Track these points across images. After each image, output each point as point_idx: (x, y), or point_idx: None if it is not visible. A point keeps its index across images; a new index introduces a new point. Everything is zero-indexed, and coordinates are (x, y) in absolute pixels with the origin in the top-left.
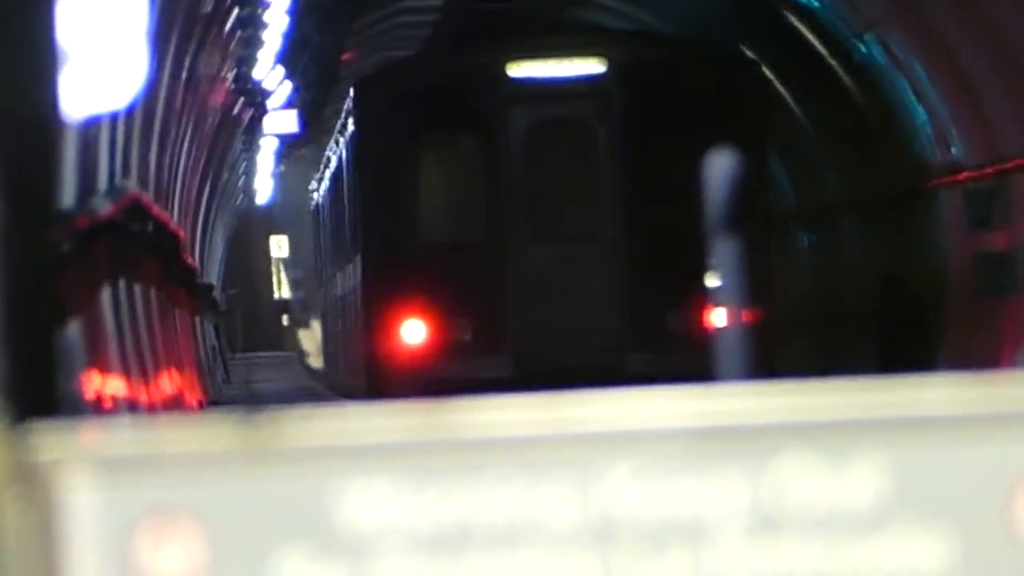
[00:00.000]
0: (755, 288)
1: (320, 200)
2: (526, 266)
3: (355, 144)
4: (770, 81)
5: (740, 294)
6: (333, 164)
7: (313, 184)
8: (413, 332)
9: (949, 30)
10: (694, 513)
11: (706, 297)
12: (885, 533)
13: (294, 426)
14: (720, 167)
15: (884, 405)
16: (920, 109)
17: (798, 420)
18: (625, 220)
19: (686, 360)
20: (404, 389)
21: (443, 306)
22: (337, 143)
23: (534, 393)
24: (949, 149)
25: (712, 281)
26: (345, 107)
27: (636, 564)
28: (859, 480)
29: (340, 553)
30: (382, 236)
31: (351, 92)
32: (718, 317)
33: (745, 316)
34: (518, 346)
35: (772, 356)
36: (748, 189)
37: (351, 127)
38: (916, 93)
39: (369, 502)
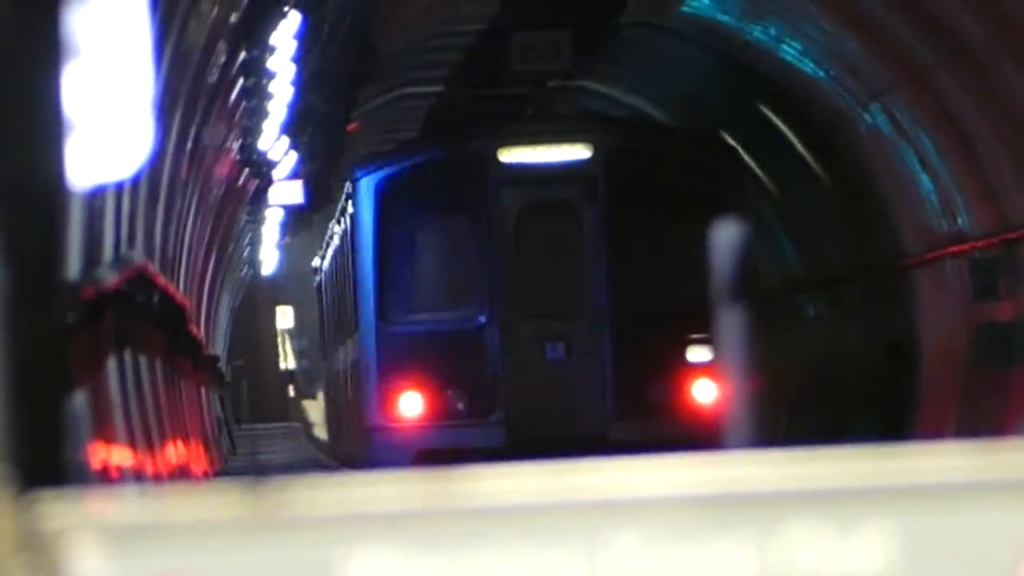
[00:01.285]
0: (740, 361)
1: (323, 276)
2: (516, 340)
3: (354, 225)
4: (747, 164)
5: (724, 367)
6: (335, 242)
7: (316, 259)
8: (410, 404)
9: (955, 99)
10: None
11: (689, 370)
12: None
13: (300, 494)
14: (700, 249)
15: (891, 473)
16: (925, 178)
17: (805, 488)
18: (610, 297)
19: (669, 430)
20: (401, 459)
21: (438, 379)
22: (339, 222)
23: (534, 461)
24: (955, 219)
25: (694, 355)
26: (345, 189)
27: None
28: (867, 547)
29: None
30: (379, 314)
31: (350, 175)
32: (701, 389)
33: (730, 388)
34: (509, 417)
35: (758, 426)
36: (729, 267)
37: (350, 209)
38: (922, 162)
39: (376, 570)
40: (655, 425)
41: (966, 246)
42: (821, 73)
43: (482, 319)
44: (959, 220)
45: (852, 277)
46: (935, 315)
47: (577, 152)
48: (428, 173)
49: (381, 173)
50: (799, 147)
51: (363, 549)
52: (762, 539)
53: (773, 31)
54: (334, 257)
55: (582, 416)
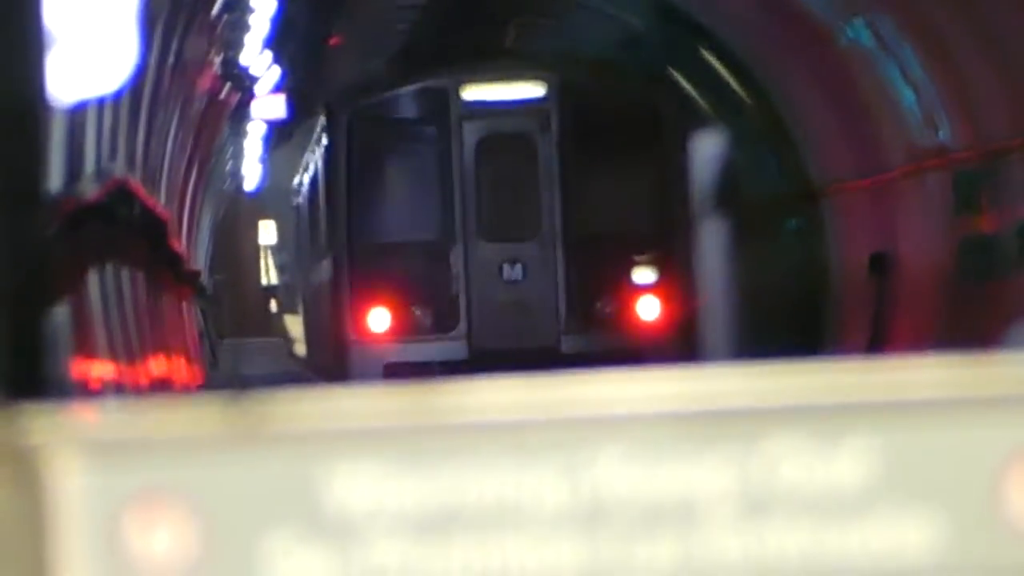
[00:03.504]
0: (683, 279)
1: (301, 196)
2: (476, 261)
3: (327, 156)
4: (688, 96)
5: (667, 285)
6: (310, 169)
7: (296, 178)
8: (379, 319)
9: (937, 14)
10: (684, 496)
11: (634, 289)
12: (875, 514)
13: (283, 409)
14: (645, 178)
15: (873, 387)
16: (908, 92)
17: (787, 402)
18: (562, 221)
19: (616, 344)
20: (372, 370)
21: (405, 297)
22: (313, 152)
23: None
24: (937, 132)
25: (640, 275)
26: (320, 122)
27: (625, 547)
28: (848, 462)
29: (329, 535)
30: (350, 236)
31: (325, 109)
32: (645, 306)
33: (674, 305)
34: (470, 332)
35: (696, 342)
36: (669, 192)
37: (324, 141)
38: (904, 76)
39: (357, 485)
40: (603, 339)
41: (947, 159)
42: None
43: (445, 241)
44: (941, 133)
45: (832, 191)
46: (917, 228)
47: (532, 89)
48: (396, 109)
49: (352, 108)
50: (779, 59)
51: (345, 463)
52: (744, 454)
53: None
54: (311, 181)
55: (536, 330)
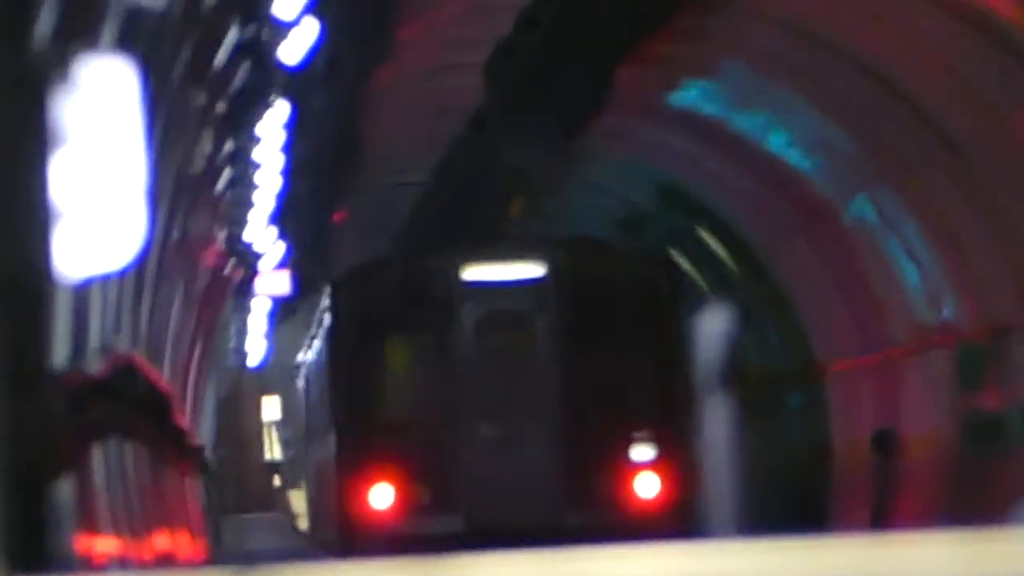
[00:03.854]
0: (682, 457)
1: (303, 376)
2: (475, 439)
3: (331, 335)
4: (680, 276)
5: (665, 464)
6: (313, 347)
7: (298, 357)
8: (380, 496)
9: (941, 192)
10: None
11: (632, 466)
12: None
13: None
14: (644, 356)
15: (878, 564)
16: (911, 268)
17: None
18: (561, 399)
19: (615, 521)
20: (374, 546)
21: (406, 474)
22: (316, 329)
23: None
24: (941, 309)
25: (638, 452)
26: (322, 302)
27: None
28: None
29: None
30: (352, 414)
31: (328, 289)
32: (644, 484)
33: (671, 483)
34: (471, 508)
35: (694, 520)
36: (668, 370)
37: (328, 320)
38: (908, 253)
39: None
40: (601, 516)
41: (951, 336)
42: (807, 163)
43: (445, 419)
44: (945, 311)
45: (835, 368)
46: (920, 406)
47: (531, 269)
48: (397, 288)
49: (355, 288)
50: (783, 236)
51: None
52: None
53: (761, 122)
54: (314, 358)
55: (535, 507)
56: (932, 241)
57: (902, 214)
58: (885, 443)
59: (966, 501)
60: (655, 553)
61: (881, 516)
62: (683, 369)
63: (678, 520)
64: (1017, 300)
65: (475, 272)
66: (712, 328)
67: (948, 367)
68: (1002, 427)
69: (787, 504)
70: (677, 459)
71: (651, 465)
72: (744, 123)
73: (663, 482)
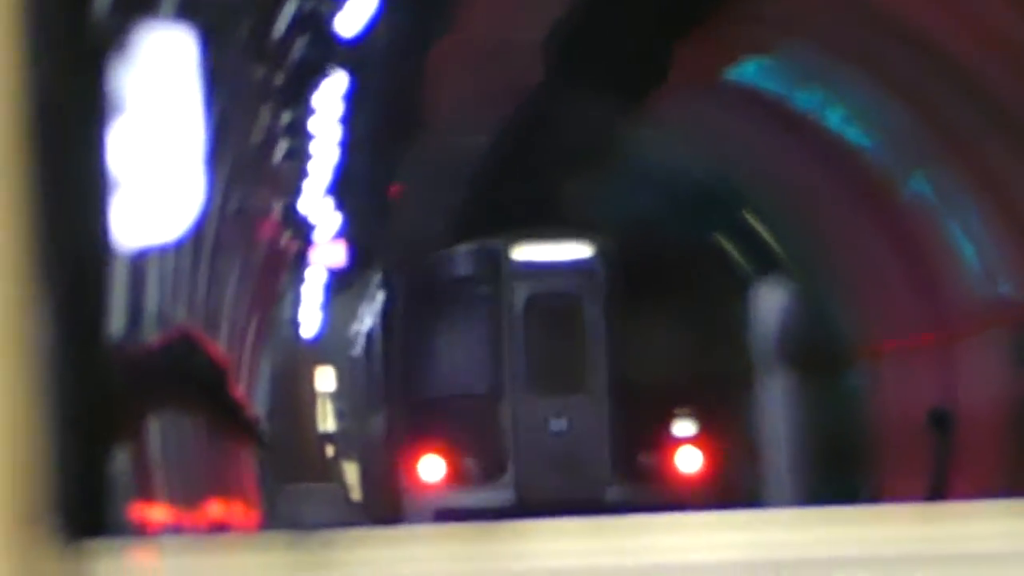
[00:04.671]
0: (726, 432)
1: (357, 349)
2: (524, 414)
3: (383, 312)
4: (724, 259)
5: (707, 439)
6: (367, 321)
7: (353, 329)
8: (431, 468)
9: (999, 167)
10: None
11: (677, 441)
12: None
13: (344, 551)
14: (689, 335)
15: (935, 537)
16: (969, 245)
17: (853, 552)
18: (607, 376)
19: (659, 495)
20: (423, 517)
21: (456, 447)
22: (371, 303)
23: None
24: (998, 286)
25: (681, 427)
26: (377, 278)
27: None
28: None
29: None
30: (404, 388)
31: (382, 266)
32: (687, 458)
33: (713, 457)
34: (518, 481)
35: (738, 495)
36: (714, 346)
37: (381, 296)
38: (965, 229)
39: None
40: (646, 490)
41: (1009, 313)
42: (865, 140)
43: (494, 394)
44: (1002, 288)
45: (892, 345)
46: (978, 383)
47: (579, 250)
48: (449, 267)
49: (410, 268)
50: (842, 213)
51: None
52: None
53: (819, 98)
54: (368, 333)
55: (581, 481)
56: (990, 217)
57: (959, 190)
58: (942, 421)
59: (1022, 481)
60: (708, 522)
61: (937, 495)
62: (728, 348)
63: (720, 494)
64: None
65: (526, 252)
66: (770, 306)
67: (1006, 345)
68: None
69: (843, 483)
70: (719, 434)
71: (693, 440)
72: (803, 100)
73: (705, 456)
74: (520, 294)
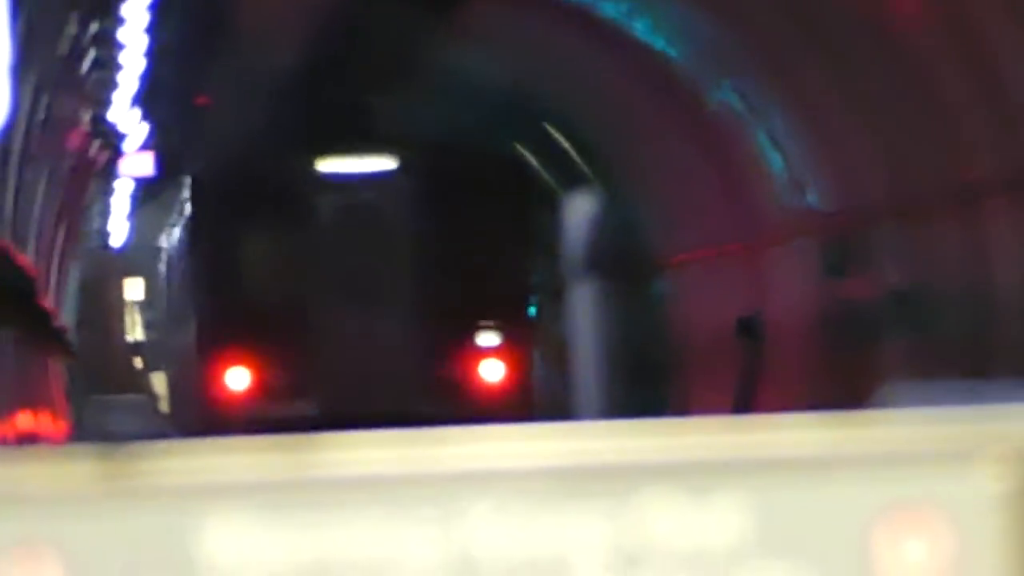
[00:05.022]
0: (523, 343)
1: (165, 259)
2: (330, 324)
3: (191, 223)
4: (526, 172)
5: (512, 348)
6: (175, 232)
7: (161, 240)
8: (238, 379)
9: (807, 78)
10: (556, 551)
11: (480, 352)
12: (747, 571)
13: (154, 463)
14: (490, 249)
15: (745, 445)
16: (776, 156)
17: (660, 459)
18: (413, 288)
19: (462, 405)
20: (231, 428)
21: (263, 358)
22: (179, 214)
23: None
24: (805, 197)
25: (485, 339)
26: (185, 195)
27: None
28: (720, 519)
29: None
30: (211, 298)
31: (190, 183)
32: (490, 369)
33: (515, 368)
34: (325, 393)
35: (532, 402)
36: (512, 261)
37: (188, 208)
38: (772, 140)
39: (230, 538)
40: (450, 401)
41: (816, 224)
42: (673, 51)
43: (301, 306)
44: (810, 198)
45: (699, 255)
46: (785, 293)
47: (386, 163)
48: (256, 180)
49: (218, 179)
50: (652, 124)
51: (217, 517)
52: (616, 509)
53: (625, 8)
54: (176, 243)
55: (386, 393)
56: (797, 128)
57: (767, 100)
58: (750, 329)
59: (830, 389)
60: (514, 433)
61: (745, 401)
62: (532, 260)
63: (524, 405)
64: (883, 187)
65: (332, 164)
66: (578, 217)
67: (812, 255)
68: (866, 314)
69: (652, 392)
70: (523, 346)
71: (496, 351)
72: (610, 9)
73: (508, 368)
74: (326, 206)
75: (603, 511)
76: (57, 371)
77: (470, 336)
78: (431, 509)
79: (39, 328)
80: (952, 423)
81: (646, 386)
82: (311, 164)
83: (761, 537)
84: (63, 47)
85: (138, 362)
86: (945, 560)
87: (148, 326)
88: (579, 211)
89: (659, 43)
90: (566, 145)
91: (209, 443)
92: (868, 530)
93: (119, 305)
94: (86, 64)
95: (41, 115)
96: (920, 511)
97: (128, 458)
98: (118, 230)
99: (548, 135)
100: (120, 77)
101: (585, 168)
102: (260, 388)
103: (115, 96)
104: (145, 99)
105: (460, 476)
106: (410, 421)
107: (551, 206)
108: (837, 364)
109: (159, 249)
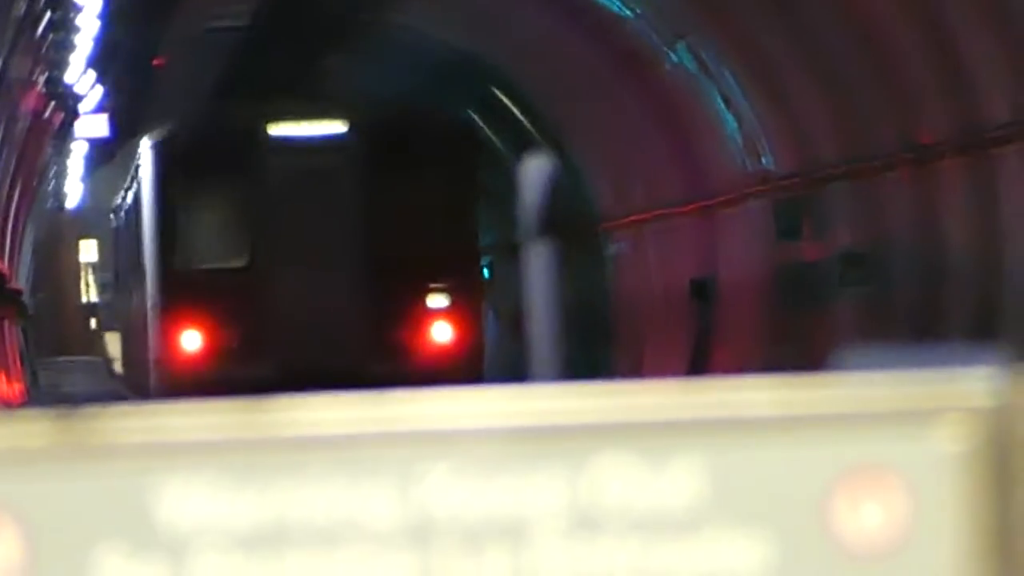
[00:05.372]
0: (474, 304)
1: (119, 221)
2: (282, 288)
3: (143, 185)
4: (476, 135)
5: (461, 310)
6: (129, 195)
7: (115, 202)
8: (191, 341)
9: (761, 39)
10: (513, 512)
11: (430, 313)
12: (703, 534)
13: (112, 423)
14: (441, 211)
15: (701, 406)
16: (730, 118)
17: (616, 420)
18: (364, 250)
19: (414, 366)
20: (184, 390)
21: (215, 319)
22: (133, 177)
23: (348, 391)
24: (759, 159)
25: (435, 301)
26: (137, 157)
27: (455, 563)
28: (676, 481)
29: (159, 551)
30: (165, 261)
31: (143, 147)
32: (440, 331)
33: (464, 329)
34: (278, 354)
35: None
36: (462, 223)
37: (142, 175)
38: (726, 101)
39: (188, 499)
40: (401, 362)
41: (769, 186)
42: (628, 12)
43: (253, 267)
44: (763, 160)
45: (655, 216)
46: (739, 254)
47: (335, 127)
48: (209, 142)
49: (169, 144)
50: (607, 85)
51: (175, 478)
52: (573, 471)
53: None
54: (129, 205)
55: (339, 354)
56: (750, 90)
57: (722, 63)
58: (702, 291)
59: (783, 350)
60: (481, 396)
61: (699, 362)
62: (482, 222)
63: (474, 367)
64: (836, 149)
65: (282, 128)
66: (531, 179)
67: (765, 216)
68: (819, 277)
69: (603, 349)
70: (473, 307)
71: (446, 312)
72: None
73: (457, 330)
74: (277, 168)
75: (559, 473)
76: (12, 333)
77: (421, 298)
78: (389, 470)
79: None
80: (908, 385)
81: (599, 347)
82: (262, 126)
83: (717, 499)
84: (18, 9)
85: (93, 323)
86: (902, 522)
87: (102, 288)
88: (532, 172)
89: (614, 5)
90: (518, 107)
91: (166, 406)
92: (824, 492)
93: (74, 267)
94: (41, 26)
95: None
96: (876, 473)
97: (84, 420)
98: (73, 192)
99: (500, 98)
100: (75, 39)
101: (538, 130)
102: (213, 350)
103: (70, 58)
104: (100, 61)
105: (418, 438)
106: (362, 382)
107: (503, 168)
108: (790, 325)
109: (113, 211)
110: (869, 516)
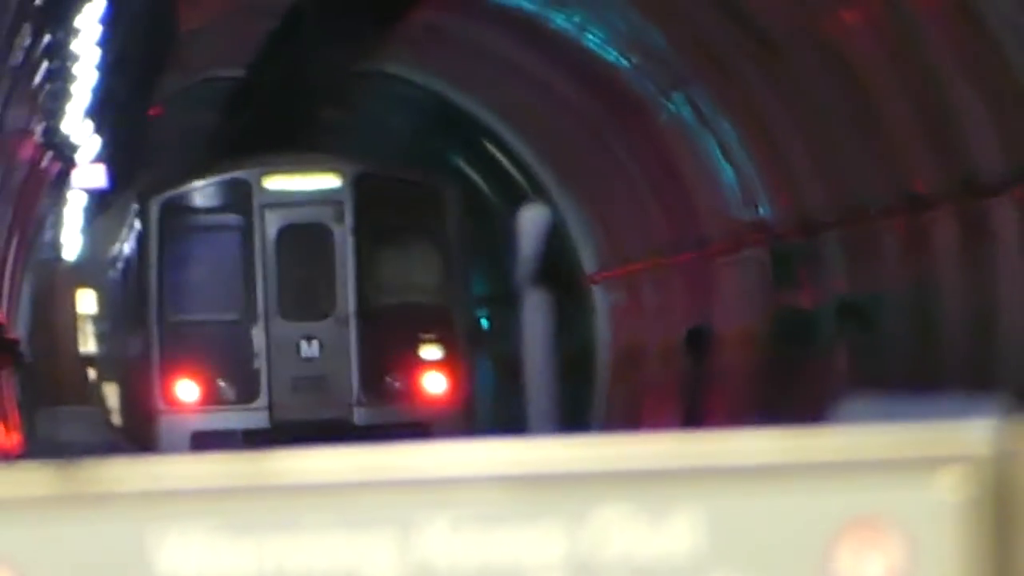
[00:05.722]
0: (467, 355)
1: (116, 273)
2: (275, 338)
3: (139, 239)
4: (470, 188)
5: (452, 360)
6: (125, 246)
7: (112, 252)
8: (186, 391)
9: (758, 90)
10: (512, 563)
11: (422, 364)
12: None
13: (112, 473)
14: (431, 263)
15: (700, 456)
16: (727, 167)
17: (615, 471)
18: (355, 301)
19: (405, 416)
20: (180, 440)
21: (211, 370)
22: (129, 228)
23: (349, 445)
24: (756, 208)
25: (427, 351)
26: (134, 208)
27: None
28: (676, 531)
29: None
30: (160, 313)
31: (139, 197)
32: (432, 381)
33: (459, 379)
34: (271, 403)
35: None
36: (454, 275)
37: (137, 227)
38: (723, 151)
39: (187, 549)
40: (392, 411)
41: (766, 235)
42: (624, 62)
43: (247, 319)
44: (760, 209)
45: (654, 266)
46: (735, 303)
47: (328, 181)
48: (203, 196)
49: (164, 197)
50: (602, 135)
51: (176, 527)
52: (573, 521)
53: (577, 19)
54: (125, 257)
55: (330, 403)
56: (747, 140)
57: (718, 113)
58: (698, 341)
59: (780, 398)
60: (480, 448)
61: (694, 412)
62: (475, 274)
63: (465, 417)
64: (829, 198)
65: (275, 182)
66: (526, 230)
67: (762, 265)
68: (816, 324)
69: (598, 398)
70: (466, 358)
71: (438, 363)
72: (561, 21)
73: (449, 380)
74: (271, 223)
75: (559, 524)
76: (9, 383)
77: (413, 349)
78: (389, 521)
79: None
80: (907, 435)
81: (594, 396)
82: (257, 180)
83: (717, 550)
84: (15, 58)
85: (90, 374)
86: (902, 571)
87: (100, 338)
88: (528, 223)
89: (611, 55)
90: (513, 158)
91: (165, 458)
92: (825, 542)
93: (71, 317)
94: (39, 76)
95: None
96: (877, 523)
97: (82, 470)
98: (70, 242)
99: (495, 149)
100: (73, 89)
101: (533, 180)
102: (209, 400)
103: (68, 107)
104: (97, 111)
105: (418, 488)
106: (355, 431)
107: (500, 219)
108: (787, 374)
109: (110, 261)
110: (870, 566)
